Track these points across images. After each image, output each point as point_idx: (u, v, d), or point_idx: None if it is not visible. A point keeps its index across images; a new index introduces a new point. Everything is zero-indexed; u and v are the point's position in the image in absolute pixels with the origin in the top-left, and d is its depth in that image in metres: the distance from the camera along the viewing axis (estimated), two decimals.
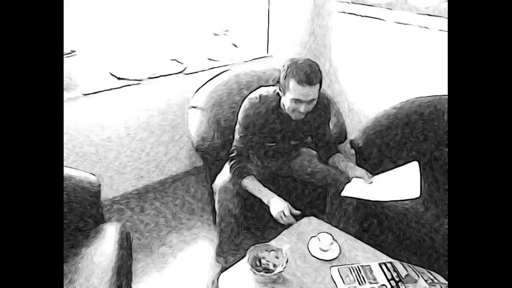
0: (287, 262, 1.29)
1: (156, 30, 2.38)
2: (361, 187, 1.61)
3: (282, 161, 1.87)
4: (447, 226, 1.56)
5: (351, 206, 1.71)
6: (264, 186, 1.63)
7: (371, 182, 1.60)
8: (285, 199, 1.54)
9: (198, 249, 2.03)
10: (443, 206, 1.66)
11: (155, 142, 2.36)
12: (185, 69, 2.31)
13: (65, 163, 1.91)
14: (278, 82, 1.58)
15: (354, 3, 2.47)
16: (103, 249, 1.43)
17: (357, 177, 1.65)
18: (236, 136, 1.69)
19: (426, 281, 1.31)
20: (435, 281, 1.31)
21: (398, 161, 1.81)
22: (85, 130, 2.04)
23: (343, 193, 1.59)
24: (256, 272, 1.26)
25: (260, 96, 1.66)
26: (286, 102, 1.54)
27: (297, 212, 1.50)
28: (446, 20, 2.01)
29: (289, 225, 1.52)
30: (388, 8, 2.29)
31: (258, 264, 1.31)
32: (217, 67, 2.41)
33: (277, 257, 1.32)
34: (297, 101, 1.49)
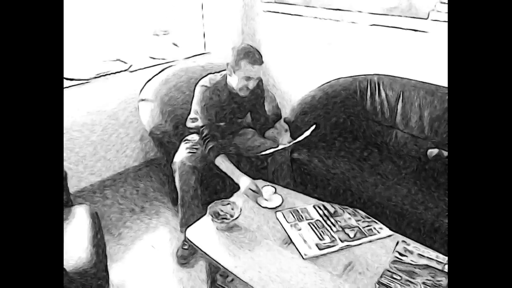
0: (240, 211, 1.58)
1: (98, 33, 2.54)
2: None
3: (229, 139, 2.15)
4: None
5: (285, 166, 2.04)
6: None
7: (289, 147, 1.97)
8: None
9: (160, 229, 2.24)
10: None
11: (107, 138, 2.52)
12: (130, 66, 2.50)
13: None
14: (227, 64, 1.87)
15: (277, 2, 2.83)
16: (77, 226, 1.61)
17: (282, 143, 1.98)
18: (202, 121, 1.92)
19: (349, 213, 1.67)
20: (356, 213, 1.68)
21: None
22: None
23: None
24: (216, 220, 1.53)
25: (209, 81, 1.95)
26: (235, 80, 1.85)
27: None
28: (356, 13, 2.44)
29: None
30: (306, 6, 2.68)
31: (217, 216, 1.58)
32: (160, 63, 2.63)
33: (232, 209, 1.60)
34: (247, 78, 1.82)
